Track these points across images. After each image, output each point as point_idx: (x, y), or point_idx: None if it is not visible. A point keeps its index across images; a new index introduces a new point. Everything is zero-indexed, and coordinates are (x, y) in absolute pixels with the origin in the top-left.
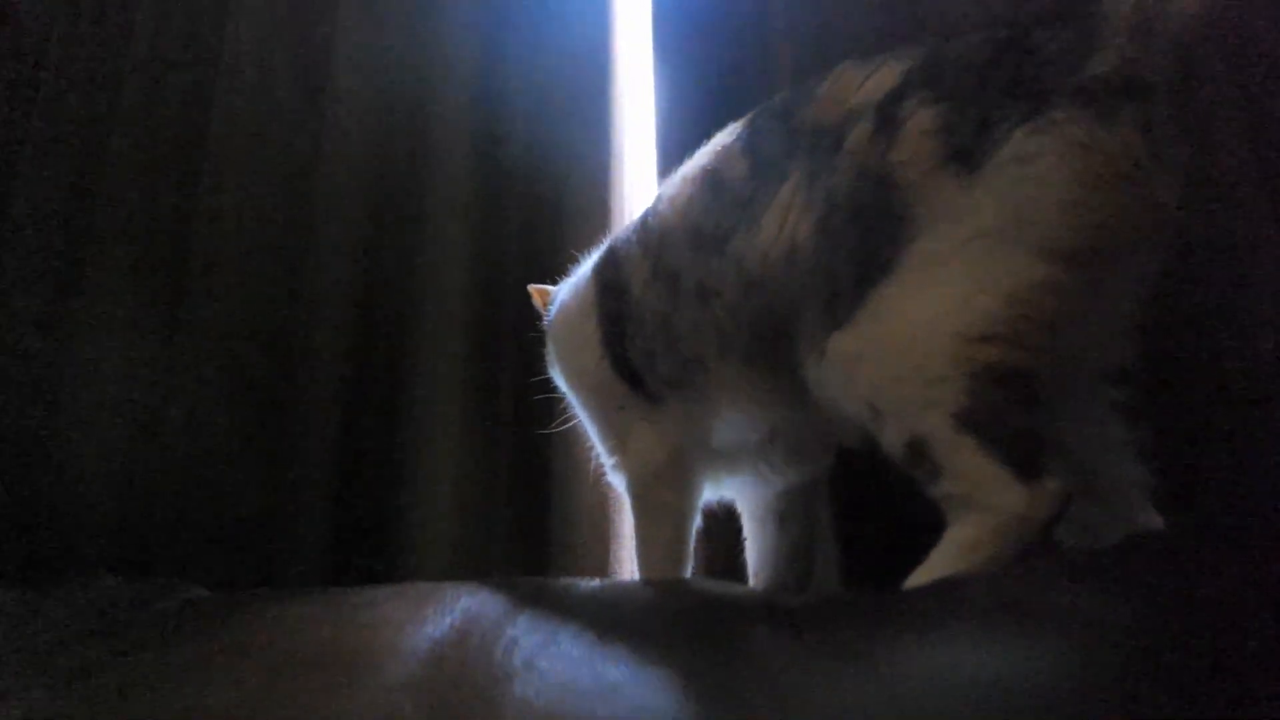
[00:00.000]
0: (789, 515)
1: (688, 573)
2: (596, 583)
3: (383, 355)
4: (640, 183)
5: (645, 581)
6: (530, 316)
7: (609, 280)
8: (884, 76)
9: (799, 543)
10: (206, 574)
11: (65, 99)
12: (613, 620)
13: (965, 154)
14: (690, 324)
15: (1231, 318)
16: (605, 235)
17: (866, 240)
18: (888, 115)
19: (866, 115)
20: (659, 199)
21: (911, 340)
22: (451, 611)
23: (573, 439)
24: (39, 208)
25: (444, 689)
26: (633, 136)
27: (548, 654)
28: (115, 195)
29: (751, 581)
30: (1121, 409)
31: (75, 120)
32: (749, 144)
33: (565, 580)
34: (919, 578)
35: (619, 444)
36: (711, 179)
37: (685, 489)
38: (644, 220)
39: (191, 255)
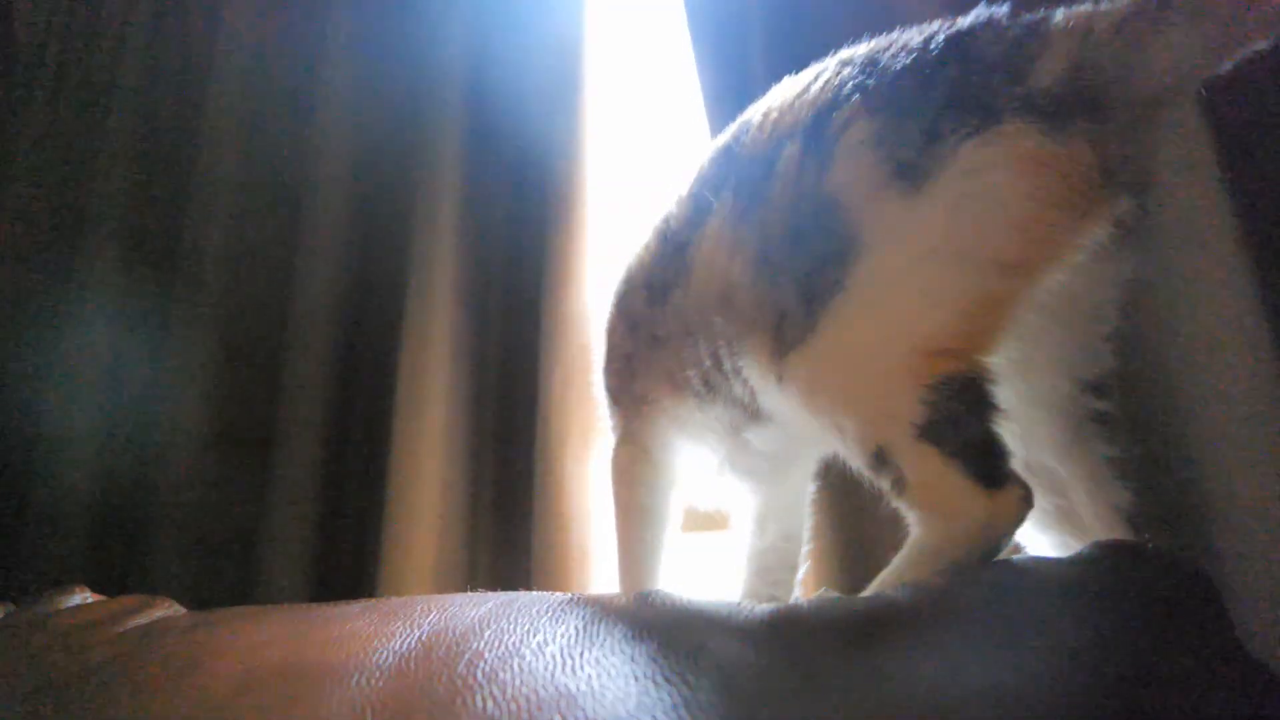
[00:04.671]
0: (766, 518)
1: (659, 565)
2: (566, 596)
3: (367, 369)
4: (612, 179)
5: (614, 595)
6: (516, 329)
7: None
8: (816, 91)
9: (775, 547)
10: (186, 590)
11: (59, 98)
12: (578, 633)
13: (910, 168)
14: (646, 366)
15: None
16: (581, 240)
17: (811, 263)
18: (818, 133)
19: (795, 136)
20: (637, 244)
21: (869, 358)
22: (419, 626)
23: (557, 454)
24: (25, 221)
25: (406, 702)
26: (605, 136)
27: (509, 667)
28: (103, 211)
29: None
30: (1102, 423)
31: (68, 123)
32: (690, 191)
33: (535, 593)
34: (881, 584)
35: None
36: (662, 227)
37: (654, 489)
38: (626, 261)
39: (178, 269)
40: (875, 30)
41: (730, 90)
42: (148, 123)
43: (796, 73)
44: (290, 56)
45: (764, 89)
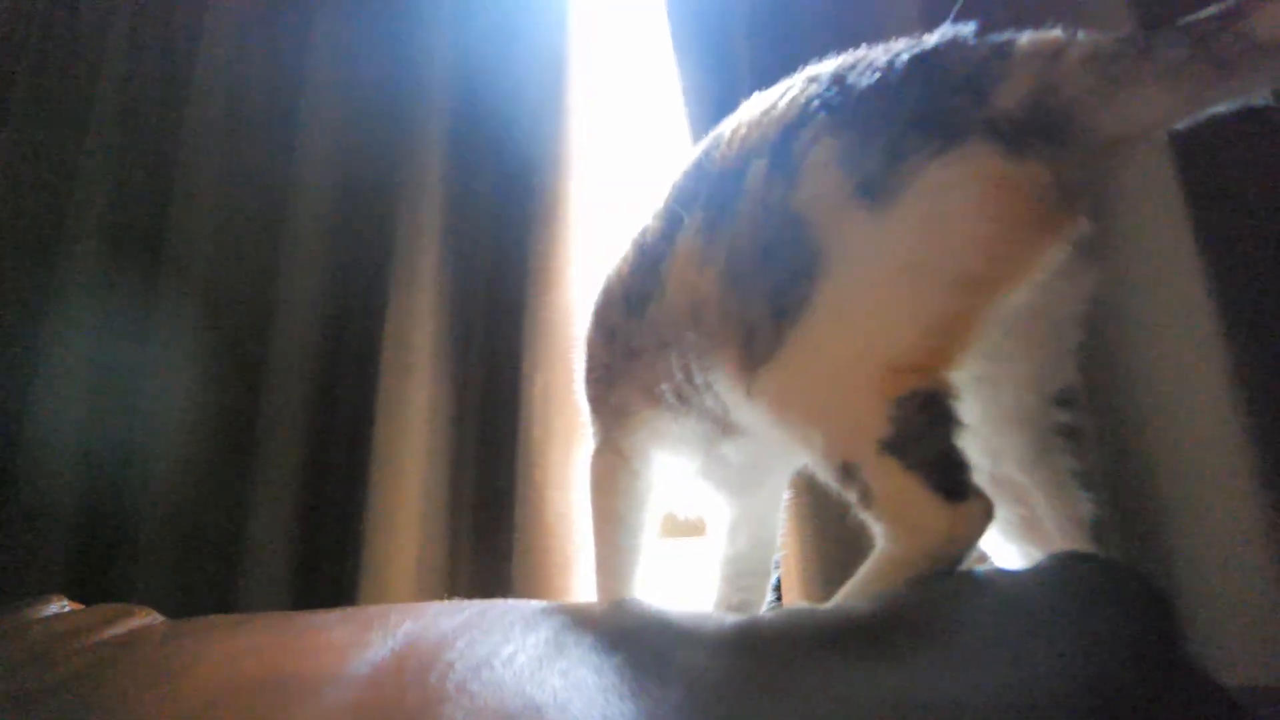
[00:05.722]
0: (740, 526)
1: (636, 573)
2: (540, 605)
3: (349, 374)
4: (597, 184)
5: (589, 603)
6: (498, 336)
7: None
8: (783, 108)
9: (747, 554)
10: (168, 596)
11: (38, 100)
12: (548, 643)
13: (875, 187)
14: (623, 377)
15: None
16: (564, 245)
17: (779, 280)
18: (784, 150)
19: (763, 153)
20: (617, 255)
21: (835, 375)
22: (394, 636)
23: (538, 460)
24: (5, 225)
25: (377, 714)
26: (589, 141)
27: (479, 678)
28: (84, 216)
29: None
30: (1066, 435)
31: (48, 126)
32: (665, 204)
33: (511, 602)
34: (846, 594)
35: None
36: (640, 239)
37: (632, 497)
38: (606, 272)
39: (160, 275)
40: (859, 35)
41: (713, 95)
42: (129, 126)
43: (783, 76)
44: (274, 59)
45: (748, 94)
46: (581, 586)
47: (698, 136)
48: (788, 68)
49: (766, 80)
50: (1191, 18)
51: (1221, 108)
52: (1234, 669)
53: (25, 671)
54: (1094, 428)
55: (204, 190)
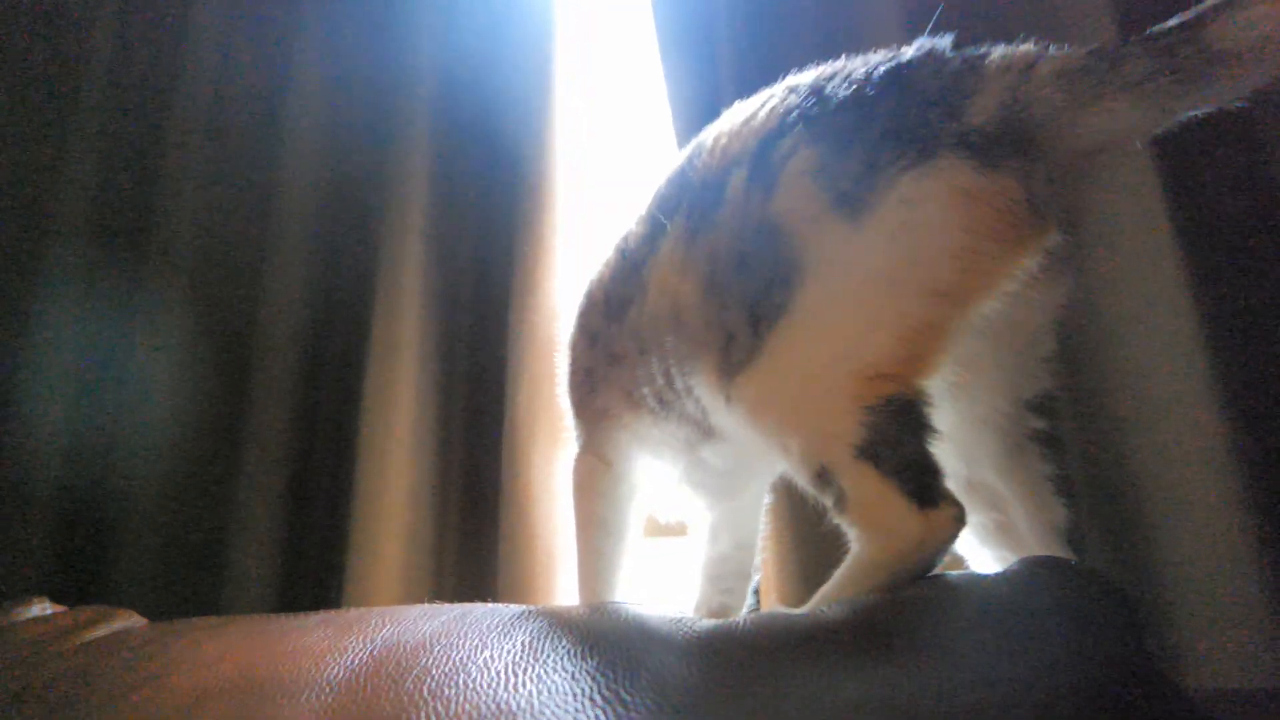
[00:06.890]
0: (720, 528)
1: (618, 576)
2: (520, 609)
3: (335, 374)
4: (582, 183)
5: (568, 607)
6: (483, 337)
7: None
8: (762, 118)
9: (728, 556)
10: (153, 597)
11: (24, 93)
12: (524, 648)
13: (850, 198)
14: (605, 381)
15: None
16: (550, 245)
17: (757, 288)
18: (763, 161)
19: (743, 163)
20: (600, 259)
21: (811, 381)
22: (372, 640)
23: (523, 461)
24: None
25: (352, 719)
26: (575, 140)
27: (454, 683)
28: (67, 212)
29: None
30: (1041, 442)
31: (32, 119)
32: (648, 210)
33: (490, 606)
34: (820, 599)
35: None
36: (622, 244)
37: (614, 500)
38: (589, 276)
39: (144, 273)
40: (840, 40)
41: (698, 97)
42: (115, 121)
43: (764, 82)
44: (260, 55)
45: (731, 99)
46: (566, 587)
47: (682, 138)
48: (771, 70)
49: (750, 83)
50: (1155, 29)
51: (1194, 113)
52: (1211, 671)
53: (10, 674)
54: (1075, 433)
55: (189, 187)
